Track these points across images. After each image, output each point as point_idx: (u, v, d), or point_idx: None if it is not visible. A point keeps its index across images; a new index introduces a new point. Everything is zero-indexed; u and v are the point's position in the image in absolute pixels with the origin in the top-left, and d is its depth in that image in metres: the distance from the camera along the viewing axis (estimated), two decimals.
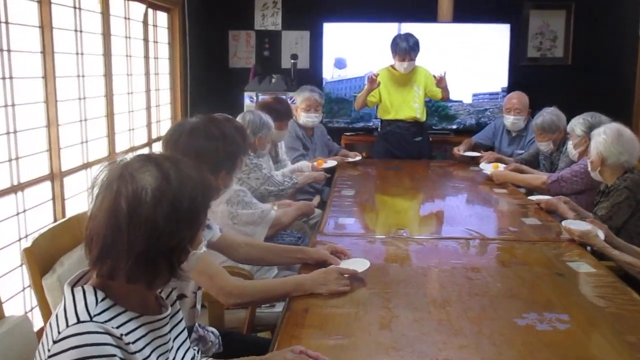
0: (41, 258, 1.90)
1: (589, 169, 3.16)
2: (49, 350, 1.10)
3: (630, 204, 2.93)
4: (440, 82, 4.74)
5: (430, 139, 5.24)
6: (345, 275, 2.08)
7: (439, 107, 5.94)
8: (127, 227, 1.15)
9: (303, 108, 4.53)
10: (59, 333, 1.11)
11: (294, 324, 1.78)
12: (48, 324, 1.17)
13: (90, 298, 1.17)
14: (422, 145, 5.01)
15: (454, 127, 5.97)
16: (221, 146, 2.02)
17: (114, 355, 1.10)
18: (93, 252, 1.18)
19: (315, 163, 4.28)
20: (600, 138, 3.02)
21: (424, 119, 4.99)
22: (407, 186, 4.06)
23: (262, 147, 3.48)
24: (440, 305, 1.95)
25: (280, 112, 3.88)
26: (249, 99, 5.77)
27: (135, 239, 1.15)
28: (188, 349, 1.39)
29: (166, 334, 1.29)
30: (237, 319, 2.50)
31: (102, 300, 1.18)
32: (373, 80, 4.74)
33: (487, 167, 4.30)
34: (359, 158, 4.76)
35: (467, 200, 3.80)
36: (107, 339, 1.11)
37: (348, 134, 6.01)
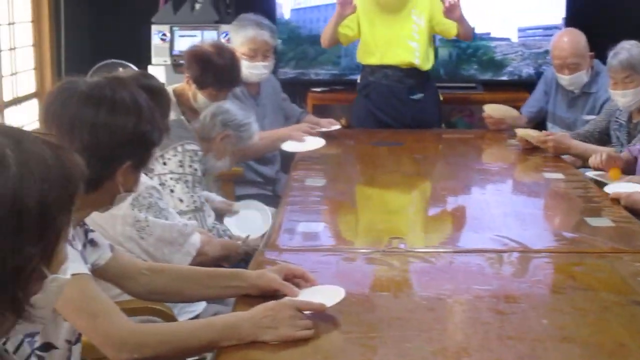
0: None
1: None
2: None
3: None
4: (452, 10, 4.69)
5: (442, 98, 5.28)
6: (307, 313, 2.09)
7: (478, 48, 6.00)
8: None
9: (245, 53, 4.52)
10: None
11: None
12: None
13: None
14: (425, 106, 5.04)
15: (504, 78, 6.08)
16: (131, 123, 2.01)
17: None
18: None
19: None
20: None
21: (427, 66, 5.00)
22: (408, 171, 4.09)
23: (221, 155, 3.54)
24: (455, 356, 1.97)
25: (220, 71, 3.87)
26: (159, 37, 5.75)
27: None
28: None
29: None
30: None
31: None
32: (345, 3, 4.75)
33: (613, 187, 3.60)
34: (337, 127, 4.77)
35: (501, 191, 3.84)
36: None
37: (317, 90, 6.04)
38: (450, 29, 4.89)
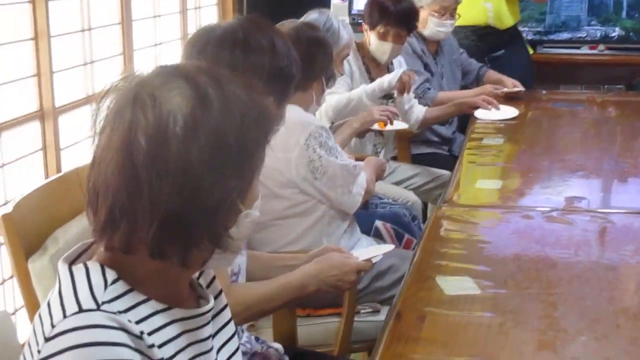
0: (26, 231, 1.99)
1: None
2: (38, 352, 1.17)
3: None
4: None
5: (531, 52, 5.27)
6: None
7: None
8: (148, 175, 1.19)
9: (435, 11, 4.47)
10: (53, 327, 1.17)
11: (403, 338, 1.84)
12: (37, 316, 1.24)
13: (97, 279, 1.23)
14: (509, 64, 5.02)
15: None
16: (267, 61, 2.06)
17: None
18: (99, 214, 1.23)
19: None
20: None
21: (505, 25, 5.04)
22: (589, 133, 4.03)
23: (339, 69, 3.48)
24: (638, 316, 1.94)
25: (386, 7, 3.93)
26: None
27: (161, 191, 1.19)
28: None
29: (206, 339, 1.35)
30: (325, 332, 2.63)
31: (114, 282, 1.23)
32: None
33: None
34: (520, 89, 4.67)
35: None
36: (122, 337, 1.17)
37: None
38: None
